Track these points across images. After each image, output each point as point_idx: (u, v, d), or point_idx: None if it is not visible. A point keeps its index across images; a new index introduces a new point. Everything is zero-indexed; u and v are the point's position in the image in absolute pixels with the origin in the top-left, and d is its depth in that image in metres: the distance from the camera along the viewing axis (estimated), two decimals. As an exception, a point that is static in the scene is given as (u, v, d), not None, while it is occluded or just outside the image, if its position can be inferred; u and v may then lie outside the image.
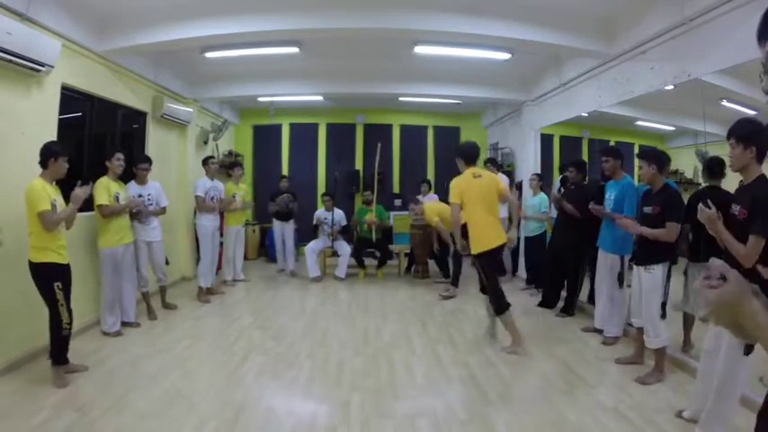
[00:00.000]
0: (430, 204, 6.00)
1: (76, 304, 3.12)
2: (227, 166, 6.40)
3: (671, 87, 3.75)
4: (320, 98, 7.44)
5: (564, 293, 4.78)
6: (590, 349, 3.73)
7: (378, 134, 8.18)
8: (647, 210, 3.05)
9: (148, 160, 4.49)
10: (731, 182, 2.86)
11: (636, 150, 5.53)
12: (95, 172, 4.04)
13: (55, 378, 2.93)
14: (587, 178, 4.75)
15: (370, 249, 6.61)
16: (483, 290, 3.86)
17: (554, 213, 5.10)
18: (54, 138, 3.53)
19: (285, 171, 8.29)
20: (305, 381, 3.13)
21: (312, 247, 6.38)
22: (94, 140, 4.43)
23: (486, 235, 3.59)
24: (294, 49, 4.83)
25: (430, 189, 6.75)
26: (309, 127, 8.67)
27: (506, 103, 7.07)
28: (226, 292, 5.59)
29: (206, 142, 6.97)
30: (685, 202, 3.10)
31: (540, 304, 4.96)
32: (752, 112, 2.99)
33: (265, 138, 8.59)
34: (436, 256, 6.24)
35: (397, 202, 8.22)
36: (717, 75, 3.30)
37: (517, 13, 4.05)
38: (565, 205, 4.49)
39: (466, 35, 4.13)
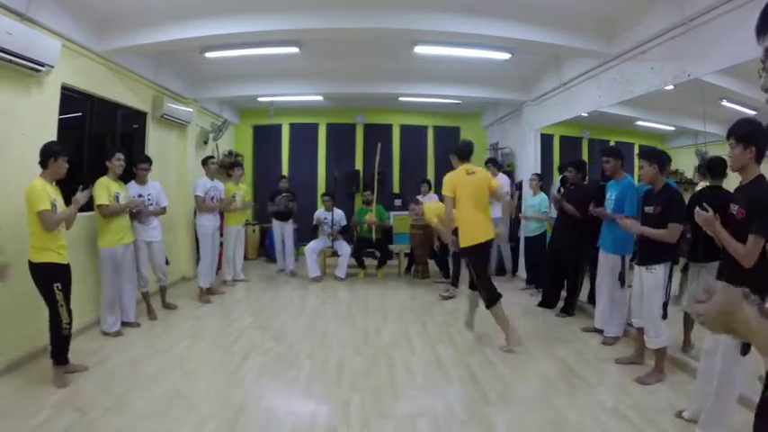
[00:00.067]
0: (430, 205, 5.99)
1: (76, 304, 3.12)
2: (227, 166, 6.40)
3: (671, 87, 3.75)
4: (320, 98, 7.44)
5: (564, 293, 4.78)
6: (590, 349, 3.72)
7: (378, 134, 8.19)
8: (649, 209, 3.05)
9: (148, 160, 4.49)
10: (733, 182, 2.86)
11: (636, 150, 5.53)
12: (95, 172, 4.05)
13: (55, 378, 2.93)
14: (587, 178, 4.75)
15: (370, 249, 6.61)
16: (472, 286, 3.90)
17: (554, 213, 5.10)
18: (54, 138, 3.53)
19: (285, 171, 8.29)
20: (305, 381, 3.13)
21: (312, 247, 6.38)
22: (94, 140, 4.43)
23: (475, 230, 3.65)
24: (294, 49, 4.83)
25: (430, 189, 6.75)
26: (309, 127, 8.67)
27: (506, 103, 7.07)
28: (226, 292, 5.59)
29: (206, 142, 6.97)
30: (686, 202, 3.10)
31: (540, 304, 4.96)
32: (752, 112, 2.98)
33: (265, 138, 8.59)
34: (436, 256, 6.25)
35: (397, 202, 8.22)
36: (717, 75, 3.30)
37: (517, 13, 4.05)
38: (565, 205, 4.49)
39: (466, 35, 4.13)
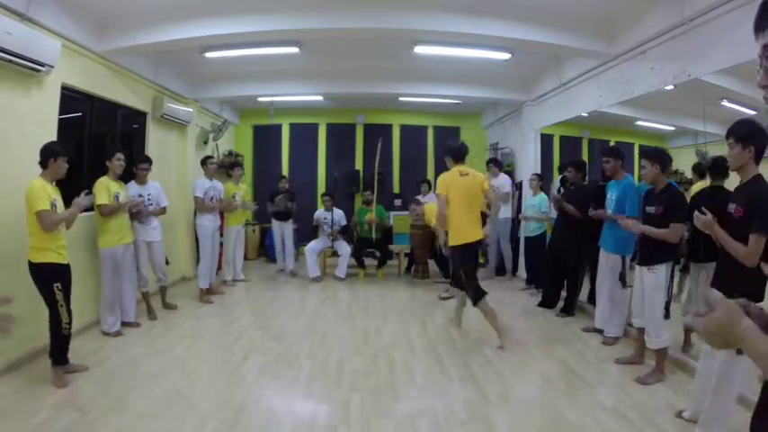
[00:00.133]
0: (430, 205, 5.99)
1: (76, 304, 3.12)
2: (227, 167, 6.40)
3: (671, 87, 3.75)
4: (320, 98, 7.44)
5: (564, 293, 4.78)
6: (590, 349, 3.73)
7: (378, 134, 8.15)
8: (650, 209, 3.05)
9: (148, 160, 4.48)
10: (735, 182, 2.87)
11: (636, 150, 5.53)
12: (95, 172, 4.04)
13: (54, 378, 2.93)
14: (587, 178, 4.75)
15: (370, 249, 6.61)
16: (459, 284, 3.99)
17: (554, 214, 5.09)
18: (54, 138, 3.53)
19: (285, 171, 8.29)
20: (305, 381, 3.13)
21: (312, 247, 6.38)
22: (94, 140, 4.43)
23: (465, 230, 3.75)
24: (294, 49, 4.83)
25: (430, 189, 6.75)
26: (309, 127, 8.67)
27: (506, 103, 7.07)
28: (226, 292, 5.59)
29: (206, 142, 6.97)
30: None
31: (540, 304, 4.95)
32: (752, 112, 2.98)
33: (265, 138, 8.59)
34: (436, 256, 6.24)
35: (397, 202, 8.21)
36: (717, 75, 3.30)
37: (517, 13, 4.05)
38: (565, 206, 4.49)
39: (466, 35, 4.13)
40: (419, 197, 6.54)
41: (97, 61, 4.26)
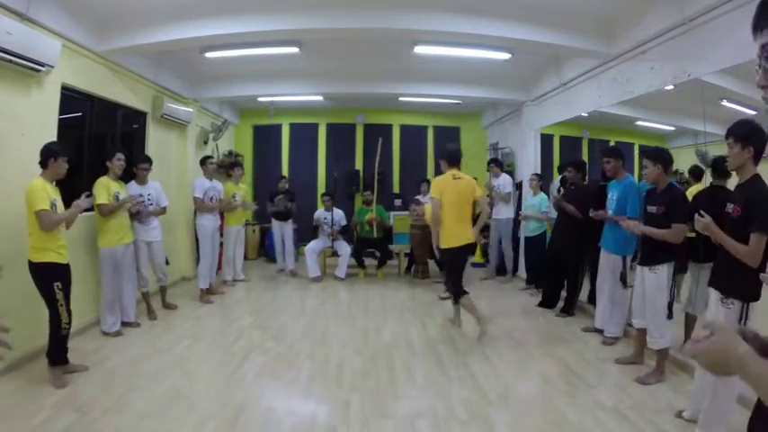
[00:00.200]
0: (431, 205, 5.99)
1: (76, 304, 3.12)
2: (227, 166, 6.40)
3: (671, 87, 3.75)
4: (320, 98, 7.44)
5: (564, 293, 4.78)
6: (590, 349, 3.73)
7: (378, 134, 8.13)
8: (652, 209, 3.05)
9: (148, 160, 4.48)
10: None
11: (636, 150, 5.54)
12: (95, 172, 4.05)
13: (53, 379, 2.92)
14: (587, 178, 4.75)
15: (370, 249, 6.61)
16: (453, 291, 4.10)
17: (554, 214, 5.09)
18: (54, 138, 3.53)
19: (285, 171, 8.29)
20: (305, 381, 3.13)
21: (312, 247, 6.38)
22: (94, 140, 4.43)
23: (456, 233, 3.85)
24: (294, 49, 4.83)
25: (430, 189, 6.74)
26: (309, 127, 8.67)
27: (506, 103, 7.07)
28: (226, 292, 5.59)
29: (206, 142, 6.97)
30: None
31: (540, 304, 4.95)
32: (752, 113, 2.99)
33: (265, 138, 8.59)
34: (436, 257, 6.24)
35: (397, 202, 8.21)
36: (717, 75, 3.30)
37: (517, 13, 4.04)
38: (566, 206, 4.49)
39: (466, 35, 4.13)
40: (419, 197, 6.53)
41: (97, 61, 4.26)
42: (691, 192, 3.61)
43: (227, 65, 5.58)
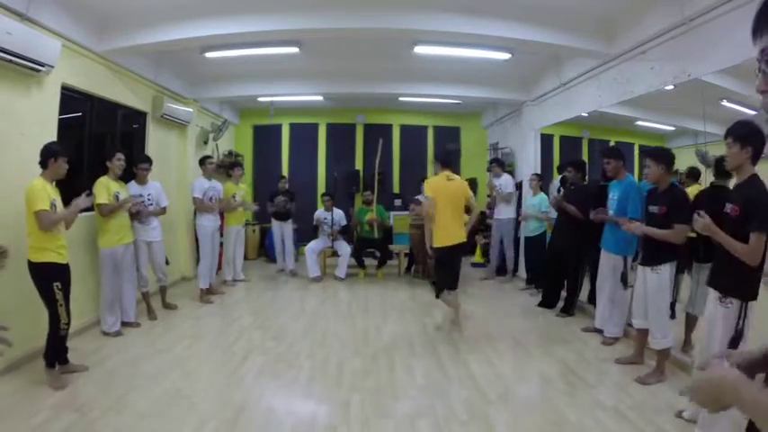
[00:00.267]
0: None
1: (76, 304, 3.12)
2: (227, 166, 6.39)
3: (671, 87, 3.75)
4: (320, 98, 7.44)
5: (564, 293, 4.78)
6: (590, 349, 3.72)
7: (378, 134, 8.15)
8: (653, 209, 3.05)
9: (149, 160, 4.48)
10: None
11: (636, 150, 5.53)
12: (95, 172, 4.05)
13: (51, 380, 2.90)
14: (587, 178, 4.75)
15: (371, 249, 6.61)
16: (449, 285, 4.12)
17: (554, 214, 5.09)
18: (54, 138, 3.53)
19: (285, 171, 8.29)
20: (305, 381, 3.13)
21: (312, 247, 6.38)
22: (94, 140, 4.43)
23: (448, 233, 3.92)
24: (294, 49, 4.83)
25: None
26: (309, 127, 8.66)
27: (506, 103, 7.07)
28: (226, 292, 5.58)
29: (206, 142, 6.97)
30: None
31: (540, 304, 4.95)
32: (752, 113, 2.98)
33: (265, 138, 8.59)
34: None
35: (397, 202, 8.21)
36: (717, 75, 3.30)
37: (517, 13, 4.04)
38: (566, 206, 4.49)
39: (466, 35, 4.12)
40: (419, 197, 6.53)
41: (97, 61, 4.26)
42: (689, 192, 3.62)
43: (227, 65, 5.57)
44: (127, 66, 4.70)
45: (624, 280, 3.68)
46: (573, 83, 5.23)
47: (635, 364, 3.30)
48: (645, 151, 3.91)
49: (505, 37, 4.16)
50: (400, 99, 7.43)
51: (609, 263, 3.80)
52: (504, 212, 6.21)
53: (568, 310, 4.63)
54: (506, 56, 4.96)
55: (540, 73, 5.88)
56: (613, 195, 3.76)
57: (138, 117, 5.24)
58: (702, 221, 2.29)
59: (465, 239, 4.02)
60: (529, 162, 6.41)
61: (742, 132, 2.22)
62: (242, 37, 4.19)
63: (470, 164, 8.64)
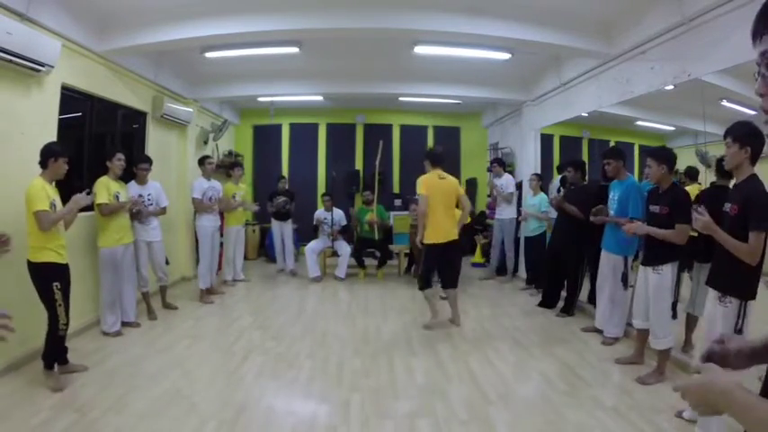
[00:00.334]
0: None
1: (75, 304, 3.12)
2: (227, 166, 6.39)
3: (671, 87, 3.75)
4: (320, 98, 7.44)
5: (564, 293, 4.78)
6: (590, 349, 3.72)
7: (378, 134, 8.18)
8: (655, 209, 3.05)
9: (149, 160, 4.48)
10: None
11: (636, 150, 5.53)
12: (95, 172, 4.05)
13: (49, 381, 2.89)
14: (587, 178, 4.75)
15: (371, 249, 6.61)
16: (445, 285, 4.30)
17: (554, 214, 5.09)
18: (54, 138, 3.53)
19: (285, 171, 8.29)
20: (305, 381, 3.13)
21: (312, 247, 6.38)
22: (94, 140, 4.43)
23: (443, 229, 4.02)
24: (294, 49, 4.82)
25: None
26: (309, 127, 8.67)
27: (506, 103, 7.07)
28: (226, 292, 5.58)
29: (206, 142, 6.96)
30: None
31: (540, 304, 4.95)
32: (752, 113, 2.99)
33: (265, 138, 8.59)
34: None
35: (397, 202, 8.22)
36: (717, 75, 3.30)
37: (517, 13, 4.04)
38: (567, 207, 4.48)
39: (466, 35, 4.12)
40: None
41: (97, 61, 4.26)
42: (689, 191, 3.62)
43: (227, 65, 5.57)
44: (127, 66, 4.70)
45: (624, 280, 3.68)
46: (573, 83, 5.23)
47: (635, 364, 3.30)
48: (646, 151, 3.91)
49: (505, 37, 4.16)
50: (400, 99, 7.43)
51: (609, 263, 3.80)
52: (506, 212, 6.21)
53: (568, 310, 4.63)
54: (506, 56, 4.96)
55: (540, 73, 5.88)
56: (614, 195, 3.76)
57: (138, 117, 5.24)
58: (702, 220, 2.29)
59: (457, 237, 4.09)
60: (529, 162, 6.41)
61: (741, 132, 2.23)
62: (242, 37, 4.19)
63: (470, 164, 8.64)
